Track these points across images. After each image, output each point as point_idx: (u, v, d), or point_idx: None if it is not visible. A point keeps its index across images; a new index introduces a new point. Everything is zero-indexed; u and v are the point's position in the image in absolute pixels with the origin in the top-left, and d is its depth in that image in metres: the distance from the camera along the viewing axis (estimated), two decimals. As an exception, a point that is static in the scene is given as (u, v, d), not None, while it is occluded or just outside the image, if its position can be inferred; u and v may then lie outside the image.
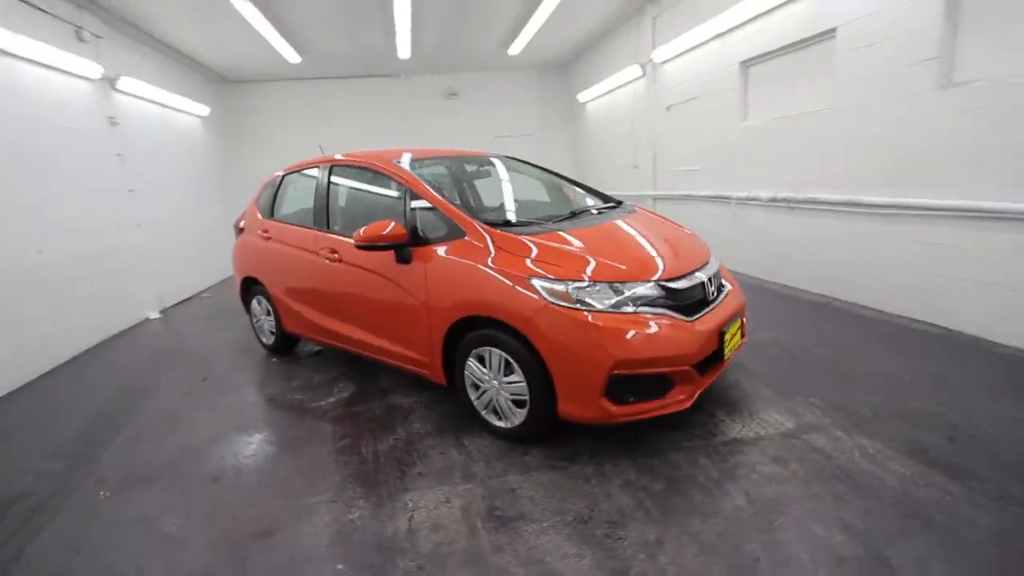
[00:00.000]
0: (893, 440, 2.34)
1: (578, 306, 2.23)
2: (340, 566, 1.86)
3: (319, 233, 3.45)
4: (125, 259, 5.60)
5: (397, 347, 3.03)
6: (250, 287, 4.30)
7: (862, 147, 4.12)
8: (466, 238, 2.61)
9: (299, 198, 3.88)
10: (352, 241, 2.91)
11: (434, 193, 2.83)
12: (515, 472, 2.35)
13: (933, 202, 3.57)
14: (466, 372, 2.65)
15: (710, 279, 2.60)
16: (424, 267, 2.72)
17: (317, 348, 4.28)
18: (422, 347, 2.85)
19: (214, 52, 7.69)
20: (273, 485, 2.42)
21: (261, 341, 4.40)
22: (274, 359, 4.22)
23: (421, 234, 2.78)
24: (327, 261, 3.33)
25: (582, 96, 9.63)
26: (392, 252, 2.82)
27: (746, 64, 5.37)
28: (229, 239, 4.60)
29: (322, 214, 3.50)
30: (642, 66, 7.35)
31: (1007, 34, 3.15)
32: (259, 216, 4.14)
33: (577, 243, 2.57)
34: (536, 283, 2.30)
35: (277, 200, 4.06)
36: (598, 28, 8.02)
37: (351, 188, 3.57)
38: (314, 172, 3.68)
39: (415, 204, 2.85)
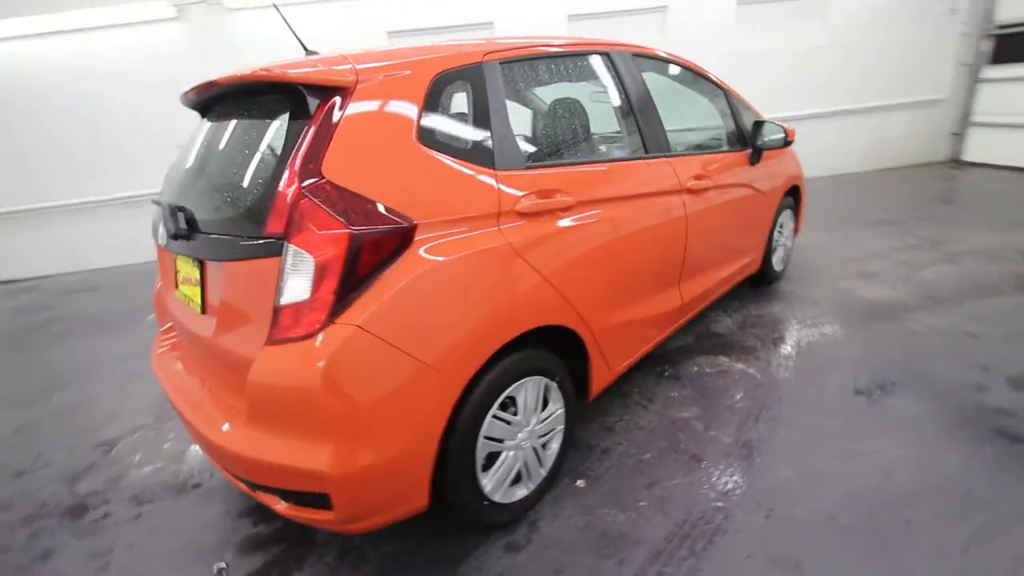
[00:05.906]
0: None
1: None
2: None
3: (675, 161, 2.22)
4: None
5: (725, 269, 2.79)
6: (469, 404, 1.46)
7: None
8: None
9: (589, 110, 1.92)
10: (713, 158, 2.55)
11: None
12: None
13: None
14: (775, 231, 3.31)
15: None
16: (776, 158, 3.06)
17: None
18: (756, 242, 3.09)
19: None
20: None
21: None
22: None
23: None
24: (688, 199, 2.26)
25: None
26: (743, 156, 2.79)
27: (392, 34, 5.78)
28: None
29: (653, 129, 2.18)
30: (176, 6, 5.31)
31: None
32: (514, 173, 1.55)
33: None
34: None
35: (570, 123, 1.74)
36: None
37: (657, 92, 2.31)
38: (595, 61, 2.08)
39: (739, 110, 2.86)
